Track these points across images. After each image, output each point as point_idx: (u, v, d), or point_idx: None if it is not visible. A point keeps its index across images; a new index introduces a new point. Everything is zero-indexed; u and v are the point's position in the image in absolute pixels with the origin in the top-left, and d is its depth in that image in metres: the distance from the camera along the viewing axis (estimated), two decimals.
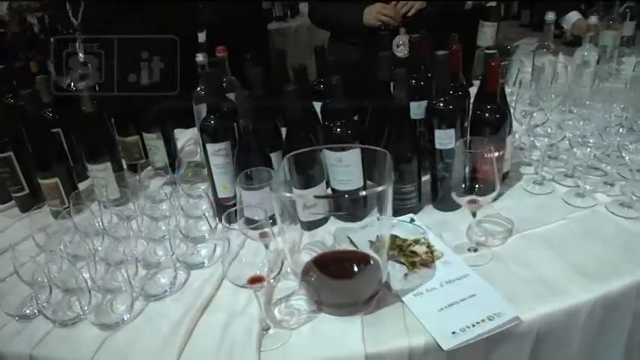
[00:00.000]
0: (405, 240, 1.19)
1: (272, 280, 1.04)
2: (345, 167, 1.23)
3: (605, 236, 1.21)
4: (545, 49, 1.78)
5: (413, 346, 0.96)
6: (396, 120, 1.24)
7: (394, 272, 1.11)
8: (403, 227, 1.24)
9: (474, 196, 1.11)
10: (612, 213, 1.29)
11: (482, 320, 0.97)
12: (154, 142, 1.57)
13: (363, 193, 1.11)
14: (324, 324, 1.03)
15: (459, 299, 1.03)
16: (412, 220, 1.27)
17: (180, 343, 1.00)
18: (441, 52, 1.19)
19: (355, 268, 1.08)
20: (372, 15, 2.16)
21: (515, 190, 1.43)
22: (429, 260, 1.13)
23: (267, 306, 1.08)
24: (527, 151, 1.56)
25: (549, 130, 1.35)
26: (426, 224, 1.27)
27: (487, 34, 2.59)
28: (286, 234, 1.06)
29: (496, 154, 1.26)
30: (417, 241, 1.19)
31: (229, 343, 1.00)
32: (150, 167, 1.60)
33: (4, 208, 1.55)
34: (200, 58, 1.46)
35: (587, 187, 1.38)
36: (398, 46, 2.11)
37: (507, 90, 1.50)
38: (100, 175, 1.43)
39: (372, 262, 1.07)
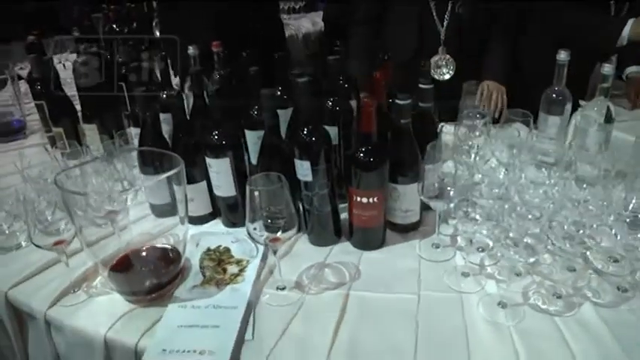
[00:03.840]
0: (231, 257, 1.21)
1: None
2: (215, 174, 1.28)
3: (437, 331, 1.02)
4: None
5: (141, 346, 1.02)
6: (267, 139, 1.23)
7: (192, 281, 1.16)
8: (246, 245, 1.24)
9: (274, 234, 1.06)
10: (481, 312, 1.05)
11: (195, 351, 0.97)
12: None
13: None
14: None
15: (201, 324, 1.03)
16: None
17: None
18: (303, 78, 1.13)
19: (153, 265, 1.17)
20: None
21: (407, 247, 1.26)
22: (223, 281, 1.14)
23: None
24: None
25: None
26: (283, 250, 1.24)
27: None
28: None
29: (364, 199, 1.17)
30: (238, 262, 1.19)
31: None
32: None
33: None
34: (191, 50, 1.63)
35: (475, 265, 1.15)
36: (439, 67, 1.92)
37: None
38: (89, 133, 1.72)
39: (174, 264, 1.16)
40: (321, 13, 3.82)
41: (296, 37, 3.56)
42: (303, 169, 1.17)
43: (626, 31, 1.74)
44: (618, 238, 1.11)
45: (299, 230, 1.28)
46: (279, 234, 1.06)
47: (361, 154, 1.15)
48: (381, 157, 1.16)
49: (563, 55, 1.39)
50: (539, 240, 1.14)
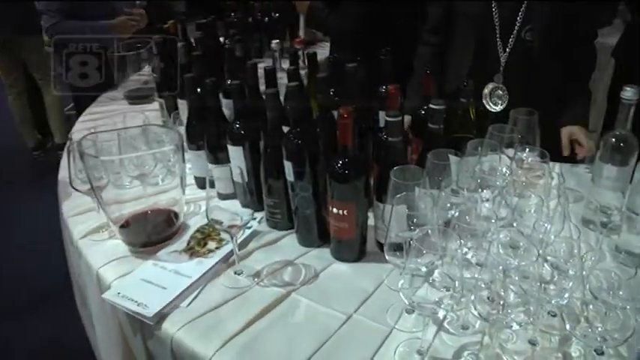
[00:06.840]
0: (218, 234, 1.31)
1: None
2: (232, 159, 1.39)
3: None
4: None
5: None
6: (269, 135, 1.28)
7: (175, 246, 1.31)
8: None
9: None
10: (395, 355, 1.00)
11: (135, 301, 1.12)
12: None
13: None
14: None
15: (156, 283, 1.18)
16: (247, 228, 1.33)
17: None
18: (291, 83, 1.17)
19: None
20: None
21: (379, 269, 1.20)
22: (197, 254, 1.26)
23: None
24: None
25: None
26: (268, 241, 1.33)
27: None
28: None
29: (334, 210, 1.17)
30: (220, 240, 1.30)
31: None
32: None
33: None
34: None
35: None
36: (491, 95, 1.71)
37: None
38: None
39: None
40: None
41: None
42: (288, 169, 1.22)
43: None
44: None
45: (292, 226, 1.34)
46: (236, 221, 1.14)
47: (337, 165, 1.15)
48: (355, 171, 1.14)
49: (629, 93, 1.14)
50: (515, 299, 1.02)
